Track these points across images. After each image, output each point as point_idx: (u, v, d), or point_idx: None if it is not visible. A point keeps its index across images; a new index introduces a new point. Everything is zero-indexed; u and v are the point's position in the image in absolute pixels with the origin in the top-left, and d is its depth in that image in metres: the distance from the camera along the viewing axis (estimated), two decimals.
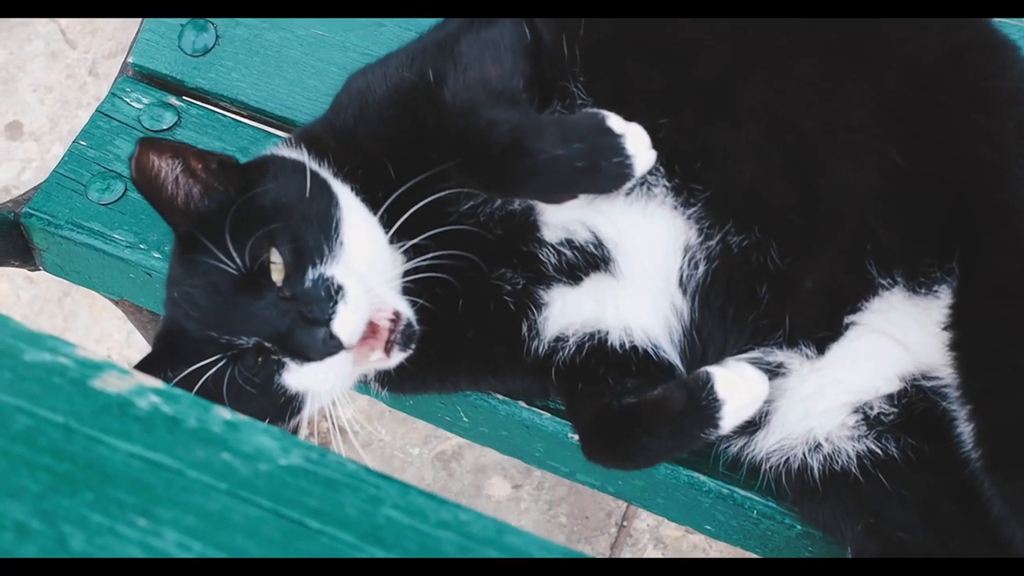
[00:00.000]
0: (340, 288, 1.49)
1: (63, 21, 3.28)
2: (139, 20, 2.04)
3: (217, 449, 0.89)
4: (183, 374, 1.54)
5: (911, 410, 1.58)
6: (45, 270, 1.94)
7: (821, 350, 1.59)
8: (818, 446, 1.60)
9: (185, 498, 0.86)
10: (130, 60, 1.98)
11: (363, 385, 1.70)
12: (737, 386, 1.54)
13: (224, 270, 1.52)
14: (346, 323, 1.48)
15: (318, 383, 1.53)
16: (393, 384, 1.70)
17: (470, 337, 1.65)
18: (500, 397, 1.77)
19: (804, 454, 1.60)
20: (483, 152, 1.48)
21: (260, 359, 1.52)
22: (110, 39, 3.28)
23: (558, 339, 1.64)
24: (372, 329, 1.52)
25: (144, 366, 1.59)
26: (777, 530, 1.69)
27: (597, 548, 2.75)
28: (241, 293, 1.52)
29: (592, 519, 2.76)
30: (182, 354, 1.56)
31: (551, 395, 1.74)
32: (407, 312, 1.56)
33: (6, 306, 3.16)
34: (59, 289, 3.13)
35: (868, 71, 1.54)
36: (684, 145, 1.52)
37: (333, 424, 1.57)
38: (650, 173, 1.52)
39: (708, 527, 1.75)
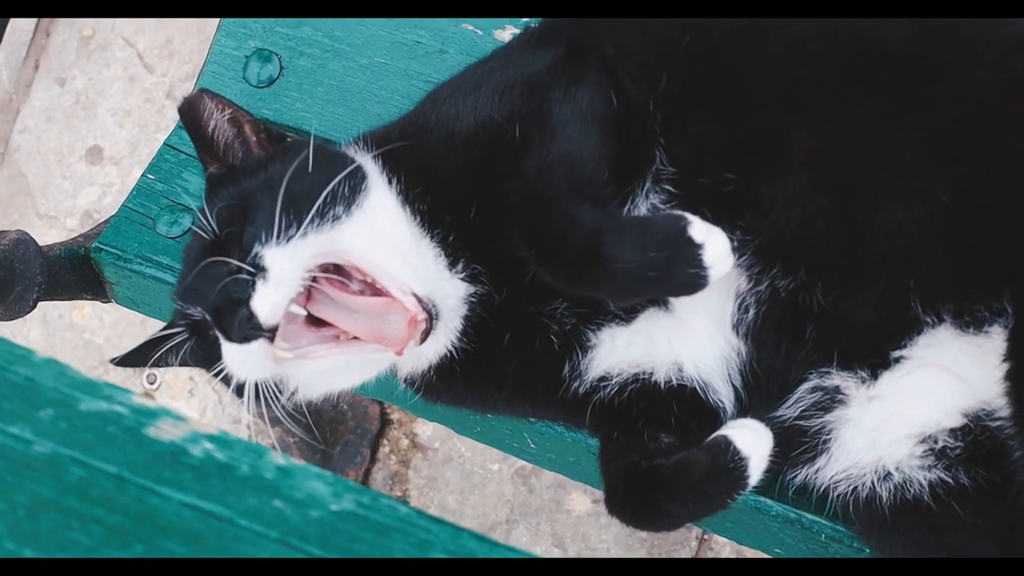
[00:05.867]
0: (262, 267, 1.46)
1: (140, 45, 3.32)
2: (210, 46, 2.06)
3: (269, 496, 0.89)
4: (164, 348, 1.56)
5: (979, 447, 1.54)
6: (117, 303, 1.96)
7: (875, 375, 1.56)
8: (888, 475, 1.57)
9: (235, 547, 0.86)
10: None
11: (398, 395, 1.71)
12: (752, 440, 1.52)
13: (200, 235, 1.53)
14: (263, 301, 1.44)
15: (233, 364, 1.49)
16: (431, 394, 1.69)
17: (512, 368, 1.64)
18: (566, 425, 1.76)
19: (873, 483, 1.58)
20: (558, 253, 1.47)
21: (212, 333, 1.51)
22: (187, 62, 3.31)
23: (601, 379, 1.62)
24: (410, 324, 1.49)
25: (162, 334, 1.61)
26: (847, 554, 1.66)
27: None
28: (205, 261, 1.51)
29: (673, 532, 2.75)
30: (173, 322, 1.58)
31: (585, 430, 1.73)
32: (430, 301, 1.53)
33: (90, 329, 3.21)
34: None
35: (921, 110, 1.51)
36: (738, 198, 1.51)
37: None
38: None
39: (777, 550, 1.73)
